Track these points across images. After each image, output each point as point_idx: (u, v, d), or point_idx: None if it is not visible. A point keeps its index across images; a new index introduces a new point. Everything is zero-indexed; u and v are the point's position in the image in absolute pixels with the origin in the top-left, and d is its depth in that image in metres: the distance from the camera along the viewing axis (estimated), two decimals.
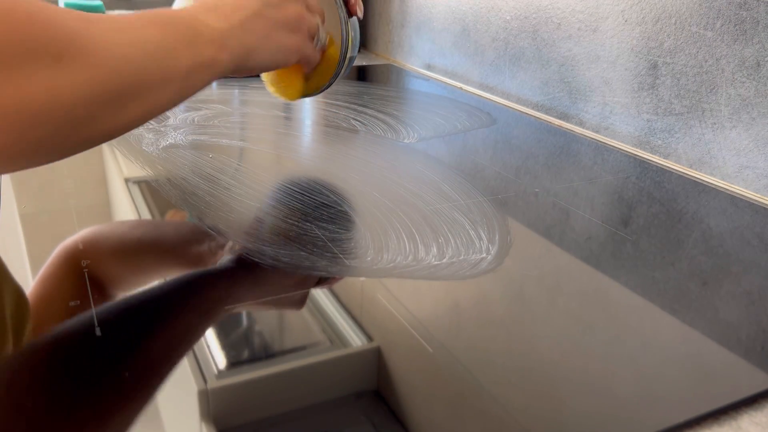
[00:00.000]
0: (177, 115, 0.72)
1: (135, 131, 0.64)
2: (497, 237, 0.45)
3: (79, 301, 0.35)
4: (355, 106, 0.79)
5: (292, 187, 0.53)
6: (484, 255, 0.43)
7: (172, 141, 0.64)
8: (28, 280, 0.38)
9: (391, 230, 0.46)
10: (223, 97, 0.82)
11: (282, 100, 0.51)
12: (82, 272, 0.39)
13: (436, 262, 0.42)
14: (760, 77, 0.55)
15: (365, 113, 0.76)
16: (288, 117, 0.76)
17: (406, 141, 0.68)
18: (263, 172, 0.56)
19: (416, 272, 0.41)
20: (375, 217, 0.48)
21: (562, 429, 0.28)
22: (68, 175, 0.53)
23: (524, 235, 0.46)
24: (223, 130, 0.68)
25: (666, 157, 0.65)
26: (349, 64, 0.50)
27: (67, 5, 1.61)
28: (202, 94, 0.82)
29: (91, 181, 0.56)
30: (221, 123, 0.71)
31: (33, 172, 0.53)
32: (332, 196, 0.52)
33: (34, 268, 0.39)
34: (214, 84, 0.89)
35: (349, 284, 0.39)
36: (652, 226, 0.49)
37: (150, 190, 0.52)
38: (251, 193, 0.51)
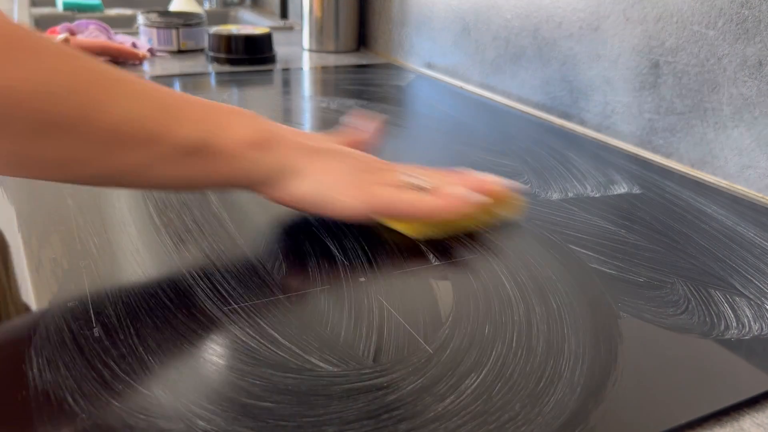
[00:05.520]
0: None
1: None
2: (493, 237, 0.45)
3: (77, 302, 0.35)
4: (355, 106, 0.79)
5: None
6: (463, 257, 0.43)
7: None
8: (27, 280, 0.38)
9: (388, 230, 0.46)
10: (223, 97, 0.82)
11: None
12: None
13: (436, 263, 0.42)
14: (762, 76, 0.54)
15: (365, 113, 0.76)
16: (288, 117, 0.76)
17: (406, 139, 0.68)
18: None
19: (416, 272, 0.40)
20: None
21: (562, 429, 0.28)
22: None
23: (519, 239, 0.46)
24: None
25: (668, 156, 0.65)
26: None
27: (66, 4, 1.60)
28: (201, 94, 0.82)
29: None
30: None
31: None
32: None
33: (31, 268, 0.39)
34: (213, 83, 0.89)
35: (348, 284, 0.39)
36: (653, 227, 0.48)
37: None
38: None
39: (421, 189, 0.44)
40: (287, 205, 0.43)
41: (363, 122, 0.51)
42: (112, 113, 0.33)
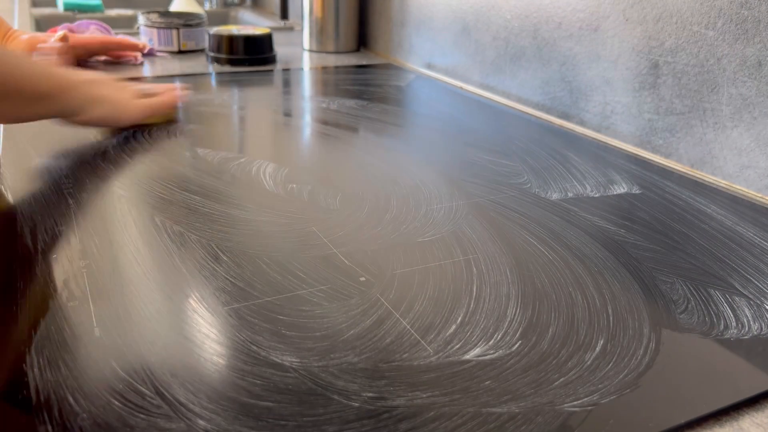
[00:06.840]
0: None
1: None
2: (485, 239, 0.45)
3: (77, 302, 0.35)
4: (355, 106, 0.79)
5: (292, 185, 0.53)
6: (464, 257, 0.43)
7: None
8: (27, 280, 0.38)
9: (389, 229, 0.46)
10: (223, 98, 0.82)
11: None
12: None
13: (436, 263, 0.42)
14: (761, 77, 0.54)
15: (365, 113, 0.76)
16: (288, 118, 0.76)
17: (403, 139, 0.68)
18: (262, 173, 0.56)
19: (417, 272, 0.41)
20: (368, 216, 0.48)
21: (561, 429, 0.28)
22: (66, 173, 0.53)
23: (520, 239, 0.46)
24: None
25: (667, 156, 0.65)
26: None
27: (67, 4, 1.60)
28: (200, 93, 0.82)
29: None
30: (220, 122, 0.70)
31: (28, 167, 0.53)
32: (329, 198, 0.52)
33: (32, 267, 0.39)
34: (214, 83, 0.89)
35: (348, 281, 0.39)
36: (653, 227, 0.48)
37: None
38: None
39: (152, 95, 0.68)
40: (90, 126, 0.62)
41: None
42: None
